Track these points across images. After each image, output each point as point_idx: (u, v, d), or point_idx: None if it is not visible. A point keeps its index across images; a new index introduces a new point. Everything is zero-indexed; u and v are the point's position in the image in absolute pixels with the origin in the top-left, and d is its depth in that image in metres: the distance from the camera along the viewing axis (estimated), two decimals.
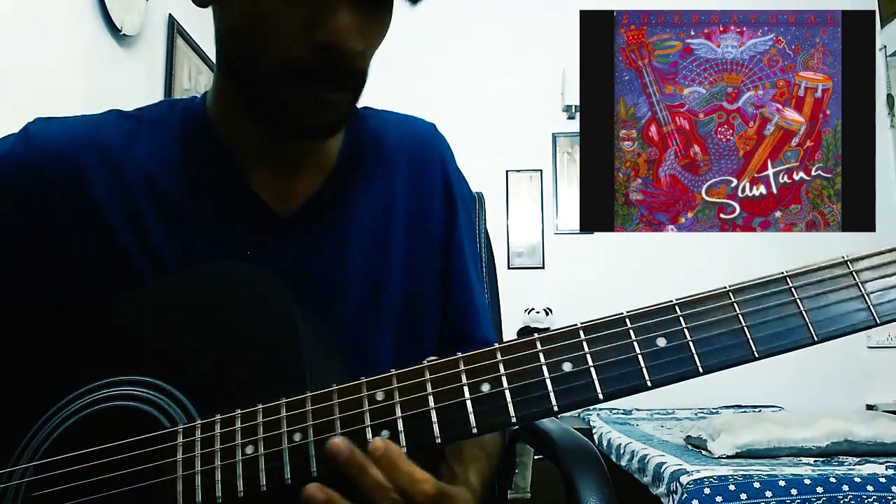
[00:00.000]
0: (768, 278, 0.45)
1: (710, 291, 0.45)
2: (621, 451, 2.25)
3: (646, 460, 1.97)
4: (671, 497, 1.67)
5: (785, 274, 0.44)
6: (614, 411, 3.07)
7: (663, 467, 1.80)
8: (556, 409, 0.44)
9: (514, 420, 0.44)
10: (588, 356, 0.45)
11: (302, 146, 0.67)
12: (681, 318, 0.44)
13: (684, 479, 1.63)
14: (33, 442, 0.53)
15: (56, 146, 0.63)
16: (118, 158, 0.64)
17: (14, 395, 0.57)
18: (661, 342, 0.44)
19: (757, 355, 0.43)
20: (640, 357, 0.44)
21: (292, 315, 0.53)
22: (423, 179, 0.71)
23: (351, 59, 0.56)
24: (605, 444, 2.48)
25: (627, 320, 0.45)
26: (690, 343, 0.44)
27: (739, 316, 0.44)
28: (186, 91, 2.39)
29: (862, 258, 0.44)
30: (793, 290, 0.44)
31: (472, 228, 0.77)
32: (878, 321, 0.43)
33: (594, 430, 2.71)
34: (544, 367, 0.45)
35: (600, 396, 0.44)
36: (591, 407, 3.12)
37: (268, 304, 0.55)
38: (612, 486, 0.72)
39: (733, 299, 0.44)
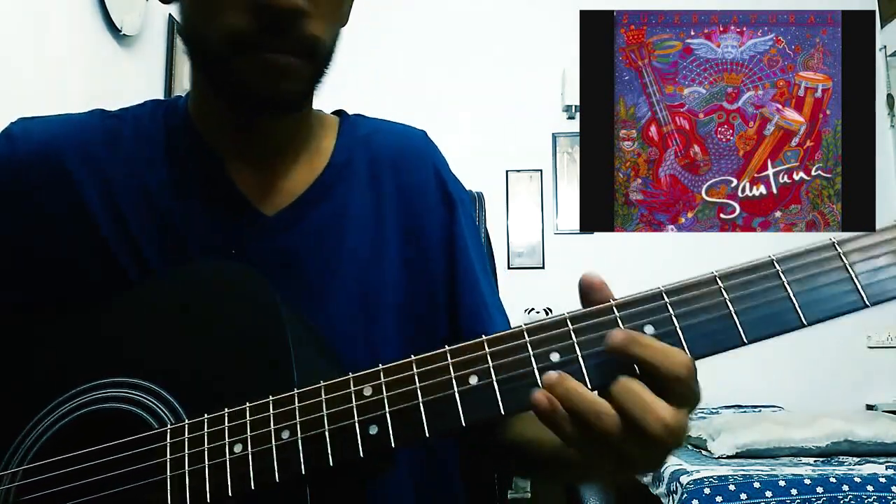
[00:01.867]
0: (756, 263, 0.44)
1: (697, 278, 0.45)
2: None
3: None
4: (671, 497, 1.67)
5: (772, 258, 0.44)
6: None
7: (663, 467, 1.81)
8: None
9: (503, 413, 0.44)
10: (576, 346, 0.44)
11: (280, 137, 0.66)
12: (668, 305, 0.44)
13: (684, 479, 1.63)
14: (22, 446, 0.53)
15: (38, 146, 0.63)
16: (101, 157, 0.64)
17: (2, 399, 0.57)
18: (650, 330, 0.44)
19: (746, 341, 0.43)
20: None
21: (278, 313, 0.53)
22: (414, 184, 0.70)
23: (288, 17, 0.54)
24: None
25: (615, 308, 0.45)
26: (678, 330, 0.43)
27: (727, 301, 0.43)
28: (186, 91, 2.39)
29: (850, 240, 0.43)
30: (780, 273, 0.43)
31: (475, 230, 0.76)
32: (868, 303, 0.42)
33: None
34: (532, 359, 0.44)
35: (589, 387, 0.43)
36: None
37: (254, 302, 0.54)
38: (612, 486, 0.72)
39: (720, 284, 0.44)
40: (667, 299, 0.44)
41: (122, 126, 0.67)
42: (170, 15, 2.28)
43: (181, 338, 0.55)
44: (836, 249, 0.43)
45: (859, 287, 0.42)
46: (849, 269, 0.43)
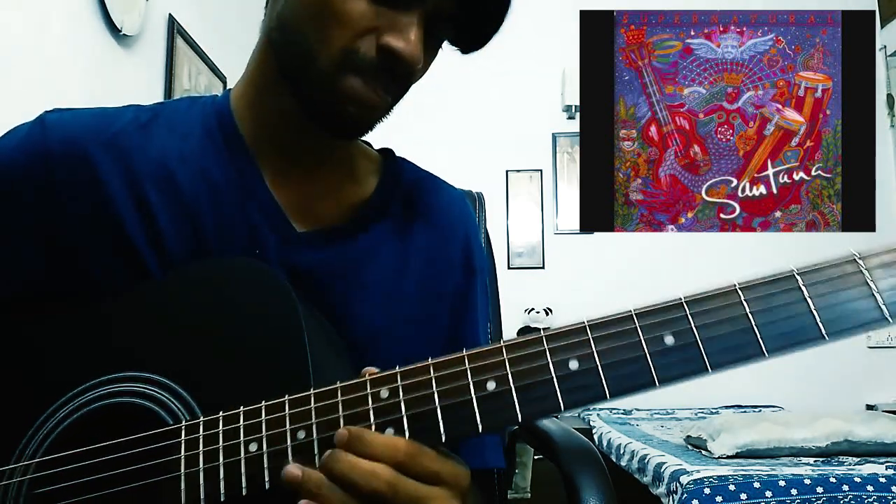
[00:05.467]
0: (778, 276, 0.43)
1: (718, 289, 0.44)
2: (621, 451, 2.25)
3: (646, 460, 1.97)
4: (671, 497, 1.67)
5: (795, 271, 0.43)
6: (614, 411, 3.07)
7: (663, 467, 1.81)
8: (563, 407, 0.44)
9: (520, 419, 0.44)
10: (595, 354, 0.44)
11: (322, 153, 0.67)
12: (689, 316, 0.43)
13: (684, 479, 1.63)
14: (35, 439, 0.53)
15: (70, 136, 0.63)
16: (131, 151, 0.64)
17: (16, 391, 0.57)
18: (669, 340, 0.43)
19: (767, 354, 0.42)
20: (647, 355, 0.43)
21: (297, 312, 0.53)
22: (443, 244, 0.71)
23: (410, 71, 0.58)
24: (605, 444, 2.48)
25: (635, 318, 0.44)
26: (699, 341, 0.43)
27: (749, 314, 0.43)
28: (186, 91, 2.39)
29: (873, 255, 0.43)
30: (802, 287, 0.43)
31: (486, 300, 0.78)
32: (891, 320, 0.41)
33: (594, 430, 2.71)
34: (551, 366, 0.44)
35: (608, 395, 0.43)
36: (592, 407, 3.12)
37: (271, 300, 0.54)
38: (612, 486, 0.72)
39: (742, 297, 0.43)
40: (687, 310, 0.44)
41: (156, 119, 0.67)
42: (170, 15, 2.28)
43: (197, 333, 0.55)
44: (860, 265, 0.43)
45: (881, 303, 0.42)
46: (871, 284, 0.42)
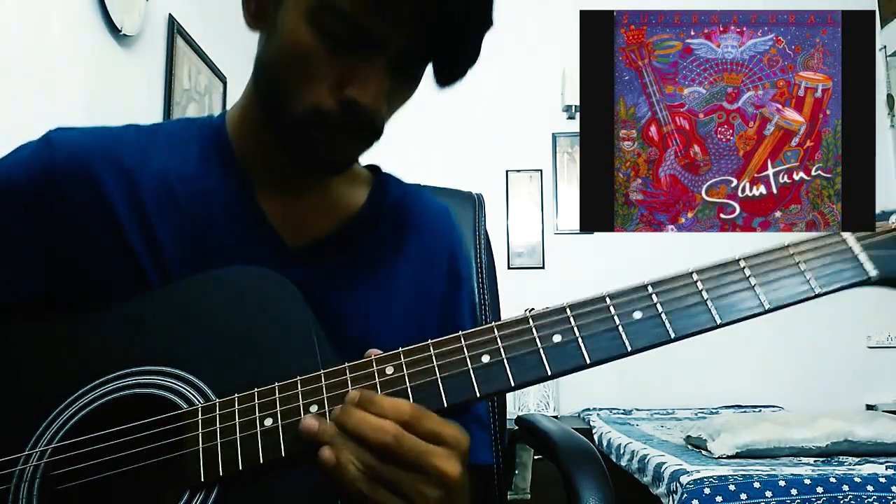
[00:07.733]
0: (726, 261, 0.53)
1: (677, 273, 0.53)
2: (621, 451, 2.25)
3: (646, 460, 1.97)
4: (671, 497, 1.67)
5: (739, 257, 0.53)
6: (614, 411, 3.07)
7: (663, 467, 1.81)
8: (549, 373, 0.51)
9: (513, 384, 0.50)
10: (575, 328, 0.51)
11: (313, 176, 0.69)
12: (653, 295, 0.52)
13: (684, 479, 1.63)
14: (50, 428, 0.55)
15: (75, 154, 0.66)
16: (134, 170, 0.66)
17: (35, 385, 0.59)
18: (638, 314, 0.51)
19: (718, 322, 0.50)
20: (620, 327, 0.51)
21: (306, 311, 0.56)
22: (428, 254, 0.74)
23: (371, 118, 0.61)
24: (605, 444, 2.49)
25: (607, 298, 0.52)
26: (662, 314, 0.51)
27: (702, 291, 0.52)
28: (186, 91, 2.39)
29: (801, 242, 0.54)
30: (745, 268, 0.52)
31: (472, 306, 0.84)
32: (816, 293, 0.51)
33: (594, 430, 2.71)
34: (537, 339, 0.51)
35: (588, 361, 0.51)
36: (591, 407, 3.12)
37: (283, 301, 0.57)
38: (612, 486, 0.72)
39: (696, 278, 0.52)
40: (651, 290, 0.52)
41: (155, 141, 0.70)
42: (170, 15, 2.28)
43: (213, 331, 0.57)
44: (790, 249, 0.54)
45: (810, 279, 0.51)
46: (800, 264, 0.52)
